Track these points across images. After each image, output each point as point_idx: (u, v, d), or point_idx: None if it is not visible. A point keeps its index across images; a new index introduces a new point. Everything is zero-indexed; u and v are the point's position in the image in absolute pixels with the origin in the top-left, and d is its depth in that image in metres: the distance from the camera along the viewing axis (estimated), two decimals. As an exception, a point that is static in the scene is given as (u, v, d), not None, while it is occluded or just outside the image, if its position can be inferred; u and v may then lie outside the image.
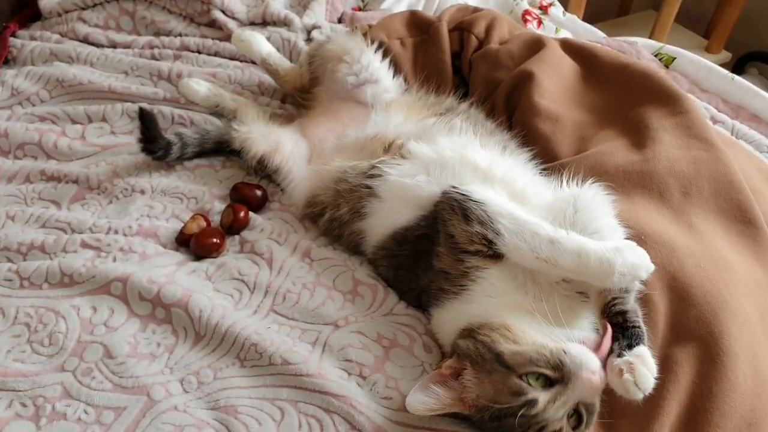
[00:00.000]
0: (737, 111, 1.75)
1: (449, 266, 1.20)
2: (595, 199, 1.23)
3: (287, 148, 1.60)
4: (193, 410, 1.15)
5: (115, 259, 1.41)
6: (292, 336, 1.26)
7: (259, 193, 1.59)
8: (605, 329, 1.08)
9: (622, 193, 1.34)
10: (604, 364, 1.05)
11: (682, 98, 1.50)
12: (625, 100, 1.61)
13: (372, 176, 1.39)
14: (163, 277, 1.34)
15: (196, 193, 1.61)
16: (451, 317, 1.20)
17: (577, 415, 1.05)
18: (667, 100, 1.51)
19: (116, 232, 1.48)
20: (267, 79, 1.94)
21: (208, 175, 1.68)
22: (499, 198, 1.21)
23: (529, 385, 1.02)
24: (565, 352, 1.03)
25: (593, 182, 1.27)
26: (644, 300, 1.18)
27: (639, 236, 1.23)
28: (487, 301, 1.14)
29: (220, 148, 1.72)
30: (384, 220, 1.36)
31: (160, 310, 1.31)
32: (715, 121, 1.71)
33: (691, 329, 1.15)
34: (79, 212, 1.56)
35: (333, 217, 1.45)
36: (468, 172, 1.30)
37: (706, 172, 1.36)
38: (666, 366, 1.13)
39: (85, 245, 1.44)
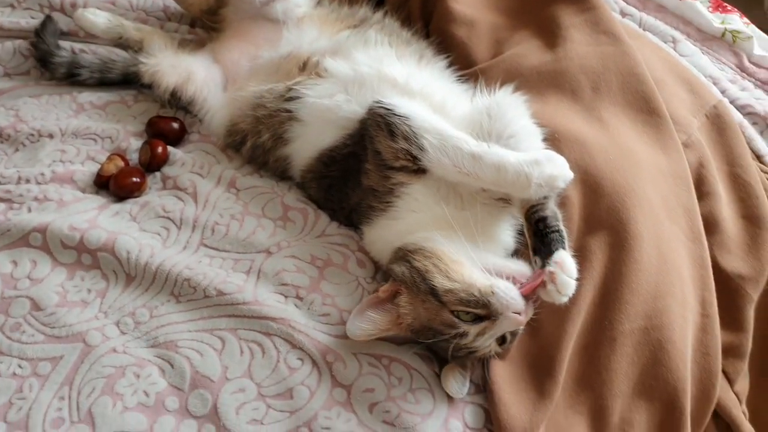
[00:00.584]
0: (644, 3, 1.76)
1: (376, 183, 1.20)
2: (509, 104, 1.24)
3: (200, 76, 1.52)
4: (132, 350, 1.14)
5: (30, 210, 1.33)
6: (225, 267, 1.25)
7: (176, 125, 1.52)
8: (538, 276, 1.10)
9: (537, 94, 1.35)
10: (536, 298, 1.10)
11: (589, -6, 1.49)
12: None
13: (290, 99, 1.34)
14: (84, 222, 1.29)
15: (110, 132, 1.52)
16: (381, 234, 1.21)
17: (502, 337, 1.11)
18: (574, -4, 1.50)
19: (28, 181, 1.40)
20: (172, 3, 1.81)
21: (121, 112, 1.58)
22: (423, 111, 1.19)
23: (460, 320, 1.06)
24: (493, 293, 1.06)
25: (507, 87, 1.27)
26: (561, 196, 1.23)
27: (553, 135, 1.26)
28: (412, 217, 1.16)
29: (129, 80, 1.61)
30: (308, 143, 1.33)
31: (86, 256, 1.26)
32: (624, 14, 1.72)
33: (602, 219, 1.21)
34: (-16, 164, 1.45)
35: (255, 145, 1.41)
36: (387, 87, 1.27)
37: (614, 67, 1.38)
38: (582, 255, 1.19)
39: (-4, 198, 1.36)
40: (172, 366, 1.13)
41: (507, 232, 1.22)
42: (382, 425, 1.09)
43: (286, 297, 1.21)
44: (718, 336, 1.28)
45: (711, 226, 1.33)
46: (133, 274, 1.23)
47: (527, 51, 1.45)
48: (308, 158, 1.33)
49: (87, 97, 1.60)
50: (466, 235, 1.14)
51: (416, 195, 1.16)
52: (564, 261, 1.08)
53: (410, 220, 1.16)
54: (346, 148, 1.27)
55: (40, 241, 1.27)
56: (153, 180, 1.43)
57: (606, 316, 1.17)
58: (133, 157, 1.47)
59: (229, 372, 1.12)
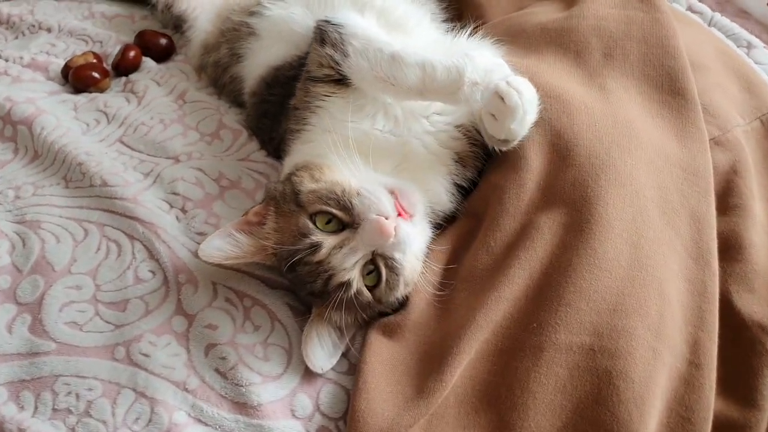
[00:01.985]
0: (723, 5, 1.41)
1: (299, 100, 0.99)
2: (479, 45, 0.98)
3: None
4: (-5, 220, 1.00)
5: (-15, 79, 1.27)
6: (127, 165, 1.08)
7: (163, 41, 1.41)
8: None
9: (533, 51, 1.07)
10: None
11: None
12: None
13: (253, 13, 1.18)
14: (23, 98, 1.19)
15: (102, 37, 1.45)
16: (289, 161, 0.99)
17: (377, 274, 0.84)
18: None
19: (7, 60, 1.34)
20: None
21: (123, 25, 1.52)
22: (362, 22, 0.97)
23: (316, 227, 0.83)
24: (358, 194, 0.82)
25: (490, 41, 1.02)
26: (514, 154, 0.93)
27: (533, 90, 0.96)
28: (323, 139, 0.92)
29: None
30: (259, 59, 1.15)
31: (9, 128, 1.16)
32: (692, 10, 1.38)
33: (564, 192, 0.89)
34: (-20, 42, 1.43)
35: (216, 61, 1.25)
36: (346, 3, 1.06)
37: (639, 34, 1.06)
38: (524, 232, 0.88)
39: (-38, 64, 1.31)
40: (24, 245, 0.96)
41: (438, 183, 0.93)
42: (212, 373, 0.84)
43: (171, 206, 1.01)
44: (710, 400, 0.87)
45: (731, 249, 0.95)
46: (39, 152, 1.11)
47: (541, 10, 1.17)
48: (256, 77, 1.14)
49: (101, 7, 1.56)
50: (378, 163, 0.88)
51: (333, 110, 0.93)
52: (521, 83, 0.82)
53: (321, 141, 0.92)
54: (292, 70, 1.06)
55: (-25, 105, 1.19)
56: (117, 83, 1.31)
57: (537, 317, 0.83)
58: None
59: (76, 266, 0.93)
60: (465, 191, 0.98)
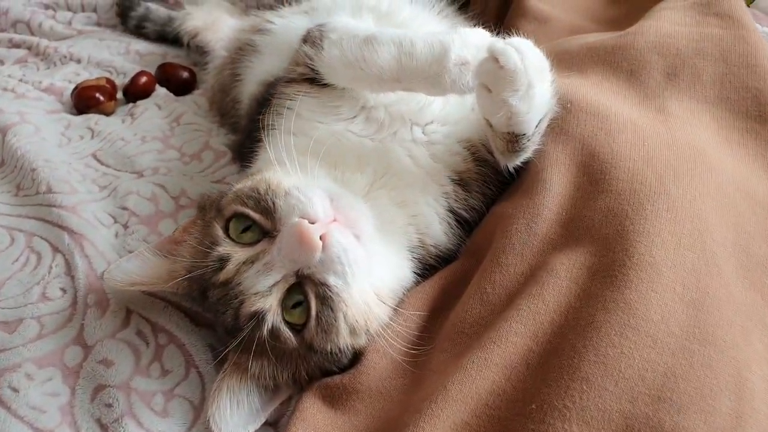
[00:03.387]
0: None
1: (270, 108, 0.84)
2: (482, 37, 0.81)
3: (222, 28, 1.36)
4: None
5: (-8, 96, 1.24)
6: (87, 176, 0.96)
7: (184, 74, 1.35)
8: None
9: (574, 68, 0.88)
10: None
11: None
12: (649, 5, 1.13)
13: (259, 31, 1.08)
14: (15, 109, 1.14)
15: (127, 69, 1.42)
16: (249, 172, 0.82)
17: (305, 307, 0.62)
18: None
19: (25, 82, 1.33)
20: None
21: (154, 61, 1.48)
22: (350, 20, 0.84)
23: (227, 236, 0.65)
24: (286, 193, 0.64)
25: None
26: (530, 176, 0.71)
27: (564, 104, 0.76)
28: (282, 143, 0.73)
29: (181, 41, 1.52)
30: (254, 75, 1.04)
31: (-13, 138, 1.10)
32: None
33: (592, 226, 0.65)
34: (14, 69, 1.44)
35: (220, 84, 1.16)
36: (349, 6, 0.94)
37: (716, 52, 0.84)
38: (533, 276, 0.64)
39: (-23, 82, 1.31)
40: (-59, 247, 0.84)
41: (429, 207, 0.73)
42: (91, 423, 0.64)
43: (115, 221, 0.87)
44: None
45: None
46: (5, 159, 1.02)
47: (592, 35, 0.99)
48: (249, 96, 1.02)
49: (138, 45, 1.54)
50: (349, 175, 0.71)
51: (302, 110, 0.77)
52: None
53: (277, 147, 0.74)
54: None
55: (-34, 116, 1.15)
56: (124, 108, 1.25)
57: (539, 396, 0.57)
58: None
59: (-16, 276, 0.79)
60: (468, 225, 0.76)
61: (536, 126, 0.67)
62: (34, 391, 0.66)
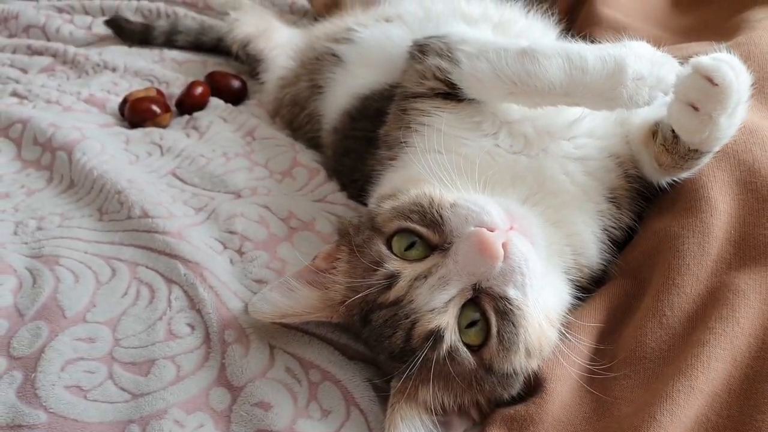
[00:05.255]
0: None
1: (391, 126, 0.82)
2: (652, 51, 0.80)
3: (276, 36, 1.32)
4: (6, 253, 0.82)
5: (34, 107, 1.17)
6: (176, 198, 0.92)
7: (236, 84, 1.31)
8: None
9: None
10: None
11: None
12: (725, 14, 1.15)
13: (341, 40, 1.05)
14: (70, 126, 1.08)
15: (170, 78, 1.37)
16: (375, 195, 0.80)
17: (483, 324, 0.60)
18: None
19: (62, 92, 1.26)
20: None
21: (194, 68, 1.44)
22: (467, 28, 0.83)
23: (392, 252, 0.63)
24: (452, 205, 0.62)
25: None
26: (688, 194, 0.71)
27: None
28: (424, 161, 0.71)
29: (221, 49, 1.47)
30: (343, 88, 1.01)
31: (47, 155, 1.03)
32: None
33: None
34: (40, 77, 1.36)
35: (293, 97, 1.13)
36: (453, 19, 0.93)
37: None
38: (715, 297, 0.64)
39: (15, 94, 1.24)
40: (33, 283, 0.78)
41: (586, 226, 0.72)
42: (257, 472, 0.60)
43: (225, 246, 0.83)
44: None
45: None
46: (76, 180, 0.97)
47: (686, 46, 1.00)
48: (338, 110, 0.99)
49: (173, 54, 1.49)
50: (501, 191, 0.68)
51: (442, 127, 0.74)
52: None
53: (420, 164, 0.71)
54: (381, 101, 0.90)
55: (19, 132, 1.09)
56: (179, 121, 1.20)
57: (751, 421, 0.57)
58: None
59: (93, 312, 0.74)
60: (616, 244, 0.75)
61: None
62: (189, 441, 0.62)
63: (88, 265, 0.80)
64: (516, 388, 0.64)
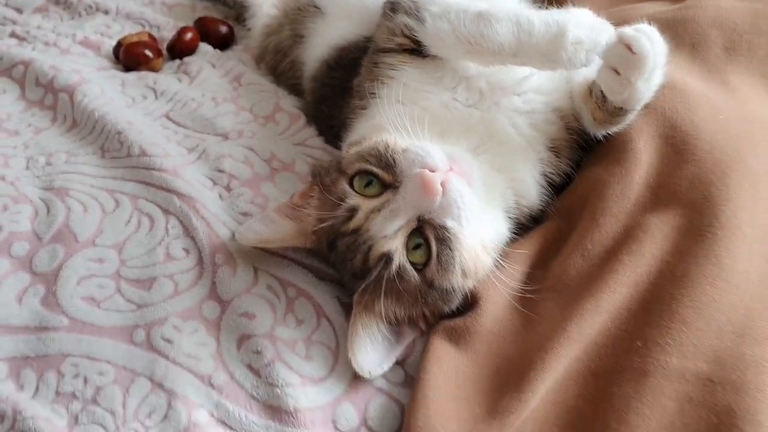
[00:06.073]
0: None
1: (364, 76, 0.94)
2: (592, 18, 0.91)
3: (262, -17, 1.41)
4: (22, 186, 0.96)
5: (33, 49, 1.28)
6: (170, 138, 1.04)
7: (223, 29, 1.40)
8: None
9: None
10: None
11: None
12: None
13: None
14: (69, 68, 1.19)
15: (161, 22, 1.46)
16: (346, 141, 0.92)
17: (426, 248, 0.75)
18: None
19: (58, 34, 1.36)
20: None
21: (184, 13, 1.53)
22: None
23: (354, 189, 0.77)
24: (404, 150, 0.76)
25: None
26: (617, 146, 0.84)
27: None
28: (390, 111, 0.83)
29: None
30: (322, 38, 1.12)
31: (50, 96, 1.15)
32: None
33: (680, 191, 0.79)
34: (35, 18, 1.46)
35: (276, 44, 1.23)
36: None
37: (768, 28, 0.97)
38: (629, 235, 0.78)
39: (13, 35, 1.34)
40: (48, 212, 0.92)
41: (527, 172, 0.85)
42: (243, 369, 0.75)
43: (214, 183, 0.96)
44: None
45: None
46: (78, 120, 1.09)
47: (648, 5, 1.11)
48: (318, 59, 1.11)
49: (161, -3, 1.57)
50: (454, 141, 0.81)
51: (407, 80, 0.87)
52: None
53: (386, 114, 0.84)
54: (357, 52, 1.01)
55: (21, 73, 1.20)
56: (171, 65, 1.30)
57: (642, 335, 0.72)
58: (168, 44, 1.37)
59: (101, 237, 0.88)
60: (555, 188, 0.89)
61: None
62: (185, 340, 0.77)
63: (94, 197, 0.93)
64: (455, 303, 0.79)
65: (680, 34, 0.99)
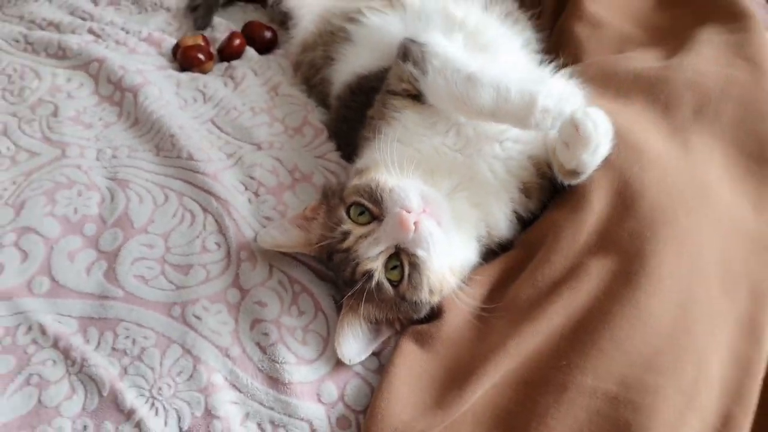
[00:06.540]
0: None
1: (375, 111, 1.12)
2: (563, 89, 1.07)
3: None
4: (93, 174, 1.19)
5: (107, 47, 1.50)
6: (213, 143, 1.25)
7: (268, 34, 1.59)
8: None
9: (623, 96, 1.14)
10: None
11: (749, 17, 1.23)
12: (689, 20, 1.36)
13: (352, 20, 1.33)
14: (135, 69, 1.40)
15: (214, 22, 1.65)
16: (355, 166, 1.12)
17: (400, 269, 0.94)
18: (732, 17, 1.25)
19: (127, 32, 1.57)
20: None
21: (235, 13, 1.72)
22: (447, 43, 1.09)
23: (349, 217, 0.96)
24: (390, 190, 0.94)
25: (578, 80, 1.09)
26: (578, 194, 1.01)
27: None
28: (390, 148, 1.02)
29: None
30: (348, 65, 1.29)
31: (118, 93, 1.37)
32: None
33: (620, 242, 0.96)
34: (108, 11, 1.67)
35: (311, 60, 1.41)
36: (439, 19, 1.19)
37: (737, 96, 1.11)
38: (572, 273, 0.96)
39: (91, 31, 1.55)
40: (112, 199, 1.15)
41: (499, 210, 1.03)
42: (253, 345, 0.97)
43: (246, 188, 1.17)
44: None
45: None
46: (140, 119, 1.30)
47: (639, 57, 1.24)
48: (343, 82, 1.29)
49: None
50: (439, 179, 1.00)
51: (407, 123, 1.05)
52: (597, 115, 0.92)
53: (386, 150, 1.03)
54: (375, 81, 1.19)
55: (96, 70, 1.42)
56: (219, 67, 1.51)
57: (567, 356, 0.90)
58: (220, 47, 1.57)
59: (152, 226, 1.11)
60: (524, 222, 1.07)
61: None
62: (211, 318, 0.99)
63: (148, 190, 1.16)
64: (422, 313, 0.98)
65: (657, 92, 1.13)
